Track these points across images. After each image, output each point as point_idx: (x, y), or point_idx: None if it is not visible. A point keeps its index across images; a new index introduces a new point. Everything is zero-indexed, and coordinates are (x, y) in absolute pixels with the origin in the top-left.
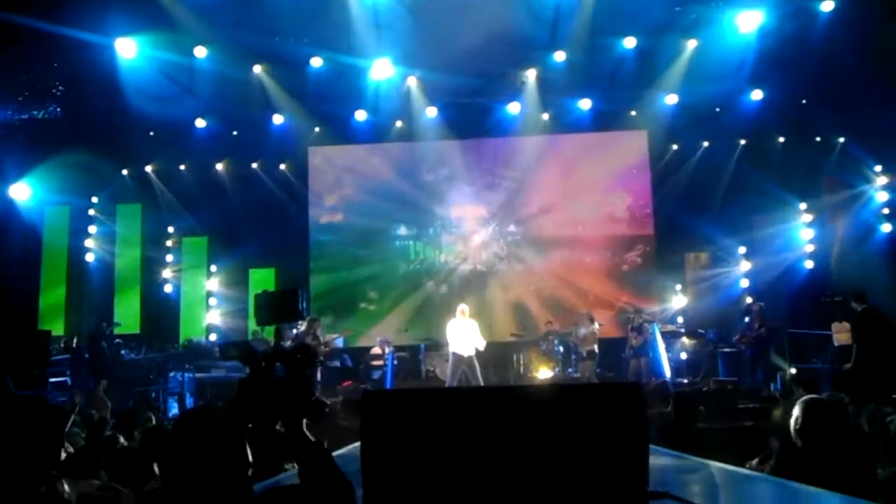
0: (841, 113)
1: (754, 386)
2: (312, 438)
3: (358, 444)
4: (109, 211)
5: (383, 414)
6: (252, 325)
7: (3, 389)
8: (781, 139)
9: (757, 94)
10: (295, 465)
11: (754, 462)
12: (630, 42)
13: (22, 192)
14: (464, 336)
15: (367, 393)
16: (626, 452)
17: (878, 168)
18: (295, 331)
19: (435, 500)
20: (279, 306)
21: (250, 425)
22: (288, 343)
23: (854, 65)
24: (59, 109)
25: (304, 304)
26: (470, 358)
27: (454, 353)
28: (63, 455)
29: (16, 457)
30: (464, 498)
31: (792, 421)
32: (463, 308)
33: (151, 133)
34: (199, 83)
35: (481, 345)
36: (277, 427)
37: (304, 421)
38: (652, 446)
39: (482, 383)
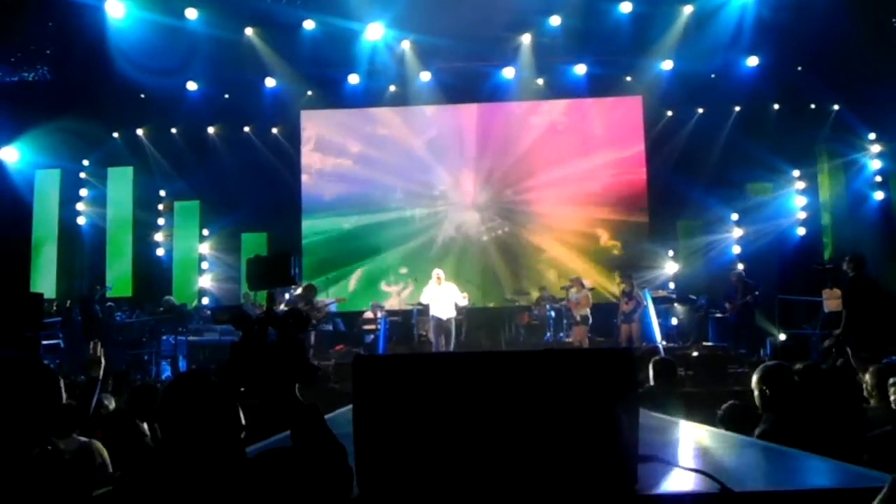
0: (835, 80)
1: (740, 352)
2: (304, 402)
3: (349, 407)
4: (100, 174)
5: (375, 378)
6: (244, 288)
7: None
8: (776, 106)
9: (752, 61)
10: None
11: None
12: (626, 7)
13: (11, 154)
14: (440, 300)
15: (359, 357)
16: (617, 417)
17: (872, 136)
18: (287, 295)
19: (426, 463)
20: (271, 271)
21: (242, 389)
22: (281, 307)
23: (850, 32)
24: (48, 72)
25: (297, 270)
26: (448, 321)
27: (433, 317)
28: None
29: (5, 417)
30: (454, 461)
31: (755, 391)
32: (439, 273)
33: (142, 96)
34: (191, 46)
35: (464, 302)
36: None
37: (297, 385)
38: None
39: (452, 349)
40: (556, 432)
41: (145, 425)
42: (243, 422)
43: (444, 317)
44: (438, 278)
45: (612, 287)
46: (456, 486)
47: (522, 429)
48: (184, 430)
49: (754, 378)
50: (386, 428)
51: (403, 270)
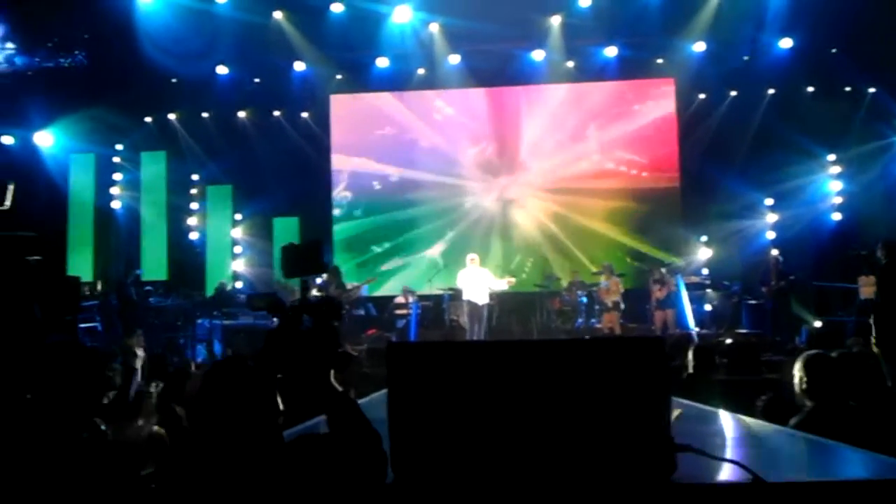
0: (871, 63)
1: (775, 339)
2: (340, 388)
3: (382, 392)
4: (134, 159)
5: (409, 366)
6: (276, 272)
7: (38, 336)
8: (810, 89)
9: (786, 43)
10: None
11: (792, 421)
12: None
13: (46, 139)
14: (476, 285)
15: (392, 345)
16: (650, 406)
17: None
18: (319, 280)
19: (459, 450)
20: (303, 259)
21: (279, 375)
22: (314, 292)
23: (885, 13)
24: (84, 57)
25: (329, 257)
26: (483, 307)
27: (468, 302)
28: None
29: (55, 402)
30: (488, 450)
31: (795, 380)
32: (472, 257)
33: (174, 80)
34: (220, 30)
35: (500, 286)
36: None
37: (332, 371)
38: (673, 398)
39: (483, 335)
40: (589, 421)
41: (181, 409)
42: (281, 407)
43: (479, 302)
44: (472, 261)
45: (643, 274)
46: (489, 473)
47: (555, 417)
48: (223, 416)
49: (796, 367)
50: (420, 415)
51: (432, 254)
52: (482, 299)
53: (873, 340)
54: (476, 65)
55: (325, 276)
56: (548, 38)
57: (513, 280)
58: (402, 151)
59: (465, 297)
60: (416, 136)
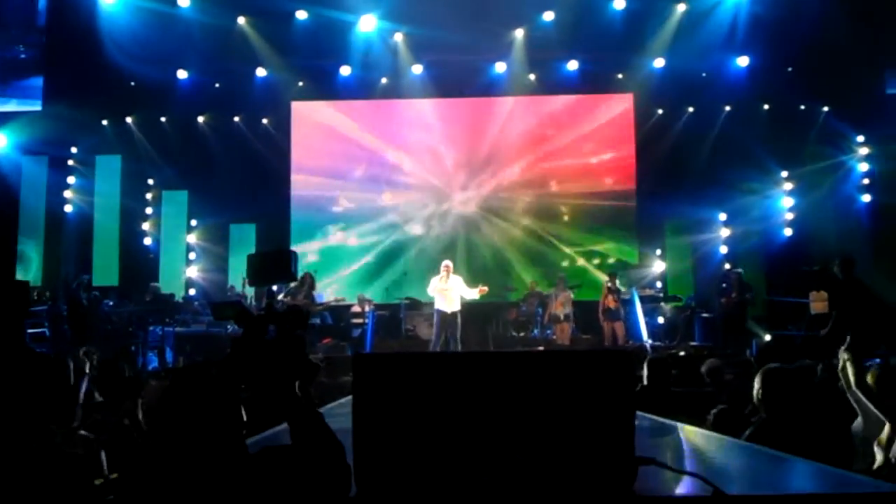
0: (825, 82)
1: (727, 352)
2: (303, 399)
3: (340, 401)
4: (88, 161)
5: (375, 377)
6: (230, 280)
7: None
8: (766, 107)
9: (743, 61)
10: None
11: (745, 433)
12: (620, 4)
13: (2, 140)
14: (448, 293)
15: (358, 355)
16: (615, 419)
17: (860, 139)
18: (291, 285)
19: (424, 463)
20: (271, 267)
21: (243, 386)
22: (280, 297)
23: (841, 33)
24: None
25: (296, 266)
26: (455, 314)
27: (438, 311)
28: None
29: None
30: (453, 461)
31: (754, 391)
32: (447, 264)
33: (132, 83)
34: (183, 34)
35: (471, 295)
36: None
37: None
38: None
39: (459, 343)
40: (555, 433)
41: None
42: (244, 418)
43: (449, 310)
44: (447, 269)
45: (599, 285)
46: (454, 486)
47: (521, 430)
48: (186, 426)
49: (755, 379)
50: (385, 427)
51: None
52: (453, 307)
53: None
54: (439, 75)
55: (293, 283)
56: (511, 50)
57: (485, 289)
58: (361, 160)
59: (436, 305)
60: (376, 145)
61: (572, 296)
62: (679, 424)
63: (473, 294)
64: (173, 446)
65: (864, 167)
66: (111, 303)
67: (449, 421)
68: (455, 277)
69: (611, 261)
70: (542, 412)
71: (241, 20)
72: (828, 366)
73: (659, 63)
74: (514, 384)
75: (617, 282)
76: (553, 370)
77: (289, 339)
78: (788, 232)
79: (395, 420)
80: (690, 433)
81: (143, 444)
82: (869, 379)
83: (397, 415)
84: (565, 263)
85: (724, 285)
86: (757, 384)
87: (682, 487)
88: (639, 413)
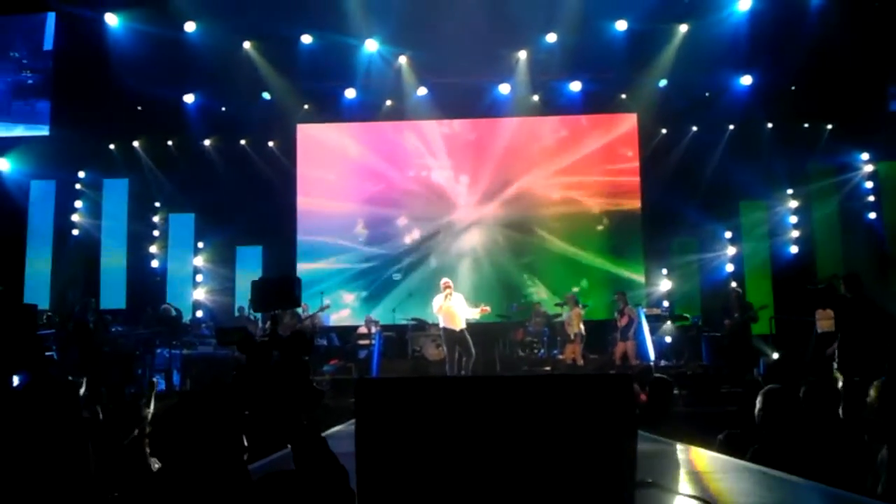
0: (829, 100)
1: (734, 371)
2: (307, 424)
3: (346, 424)
4: (96, 185)
5: (378, 401)
6: (238, 301)
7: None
8: (770, 125)
9: (746, 80)
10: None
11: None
12: (622, 25)
13: (5, 164)
14: (452, 311)
15: (361, 380)
16: (615, 443)
17: (865, 156)
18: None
19: (427, 488)
20: (275, 293)
21: (247, 412)
22: (285, 319)
23: (843, 51)
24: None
25: (299, 292)
26: (462, 332)
27: (445, 329)
28: None
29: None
30: (456, 486)
31: (756, 412)
32: (447, 282)
33: (139, 108)
34: (189, 58)
35: (472, 314)
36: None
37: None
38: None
39: (473, 355)
40: (555, 457)
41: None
42: (246, 444)
43: (457, 328)
44: (447, 287)
45: (606, 304)
46: None
47: (523, 454)
48: (188, 452)
49: (758, 399)
50: (388, 452)
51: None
52: (459, 325)
53: (835, 368)
54: (443, 97)
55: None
56: (515, 72)
57: (487, 309)
58: (366, 182)
59: (442, 324)
60: (381, 167)
61: (583, 314)
62: (682, 445)
63: (474, 314)
64: (176, 469)
65: (869, 184)
66: (120, 328)
67: (451, 446)
68: (457, 295)
69: (617, 280)
70: (542, 437)
71: (247, 44)
72: (812, 384)
73: (662, 83)
74: (514, 409)
75: (626, 300)
76: (553, 394)
77: (293, 366)
78: (794, 249)
79: (397, 445)
80: (694, 454)
81: (146, 467)
82: (872, 393)
83: (400, 440)
84: (573, 284)
85: (726, 305)
86: (758, 405)
87: None
88: (640, 433)
